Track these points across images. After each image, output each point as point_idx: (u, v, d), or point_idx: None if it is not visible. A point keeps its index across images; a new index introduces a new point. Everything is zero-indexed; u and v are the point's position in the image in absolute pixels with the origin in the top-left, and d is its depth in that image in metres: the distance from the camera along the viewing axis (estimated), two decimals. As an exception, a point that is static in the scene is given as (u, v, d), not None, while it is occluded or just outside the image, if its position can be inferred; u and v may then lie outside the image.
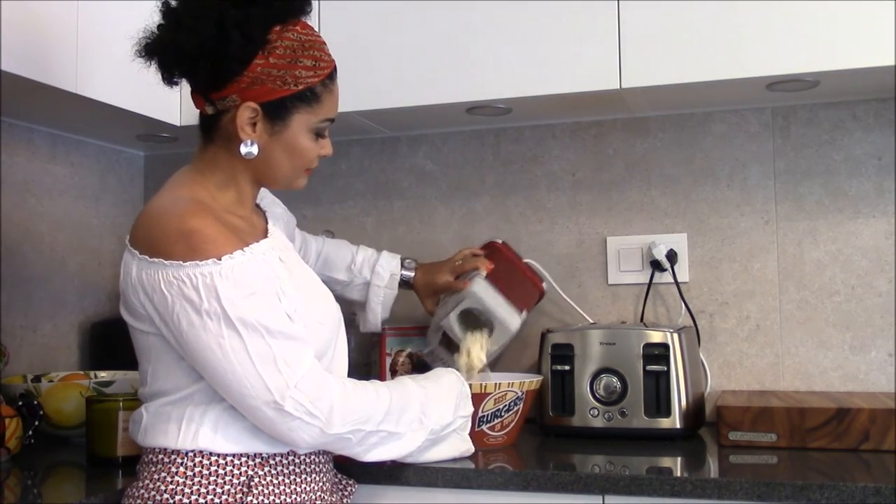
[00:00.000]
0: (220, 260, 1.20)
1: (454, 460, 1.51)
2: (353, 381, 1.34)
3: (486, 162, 2.22)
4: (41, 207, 2.08)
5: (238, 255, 1.22)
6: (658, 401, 1.74)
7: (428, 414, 1.41)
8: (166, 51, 1.29)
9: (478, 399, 1.59)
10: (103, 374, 1.95)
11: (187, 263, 1.20)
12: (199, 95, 1.33)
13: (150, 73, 1.35)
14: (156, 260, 1.22)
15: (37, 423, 1.73)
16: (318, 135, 1.37)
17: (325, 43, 1.37)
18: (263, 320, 1.21)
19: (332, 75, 1.36)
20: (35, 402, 1.74)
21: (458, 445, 1.51)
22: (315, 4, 1.95)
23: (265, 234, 1.38)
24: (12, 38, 1.54)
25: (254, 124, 1.31)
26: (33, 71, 1.60)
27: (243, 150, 1.31)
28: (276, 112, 1.31)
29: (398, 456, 1.39)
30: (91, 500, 1.36)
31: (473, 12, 1.86)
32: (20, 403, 1.72)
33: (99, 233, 2.25)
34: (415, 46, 1.89)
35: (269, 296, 1.24)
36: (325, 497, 1.36)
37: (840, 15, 1.64)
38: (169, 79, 1.33)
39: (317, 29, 1.94)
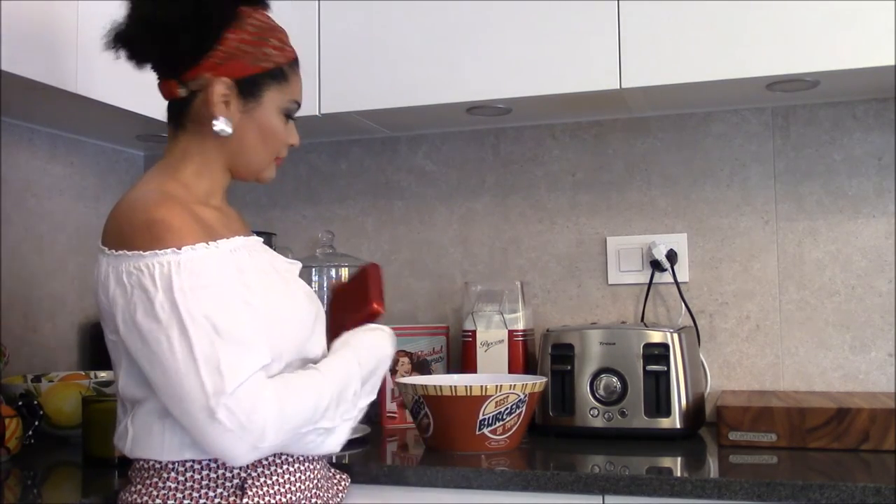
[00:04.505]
0: (179, 250, 1.18)
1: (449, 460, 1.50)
2: (293, 382, 1.24)
3: (486, 162, 2.21)
4: (41, 207, 2.07)
5: (201, 247, 1.20)
6: (658, 401, 1.74)
7: (359, 404, 1.34)
8: (145, 29, 1.30)
9: (478, 401, 1.59)
10: (103, 374, 1.95)
11: (147, 253, 1.18)
12: (170, 80, 1.33)
13: (151, 73, 1.35)
14: (120, 252, 1.20)
15: (37, 423, 1.73)
16: (287, 116, 1.37)
17: (286, 33, 1.37)
18: (212, 316, 1.16)
19: (296, 61, 1.37)
20: (35, 402, 1.74)
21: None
22: (315, 4, 1.97)
23: (242, 228, 1.37)
24: (12, 37, 1.54)
25: (227, 103, 1.31)
26: (33, 71, 1.60)
27: (216, 127, 1.30)
28: (249, 89, 1.32)
29: (328, 451, 1.32)
30: (89, 501, 1.36)
31: (474, 12, 1.86)
32: (20, 403, 1.72)
33: (99, 233, 2.23)
34: (415, 46, 1.89)
35: (224, 293, 1.19)
36: (320, 493, 1.35)
37: (840, 15, 1.64)
38: (142, 60, 1.33)
39: (316, 29, 1.96)
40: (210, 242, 1.21)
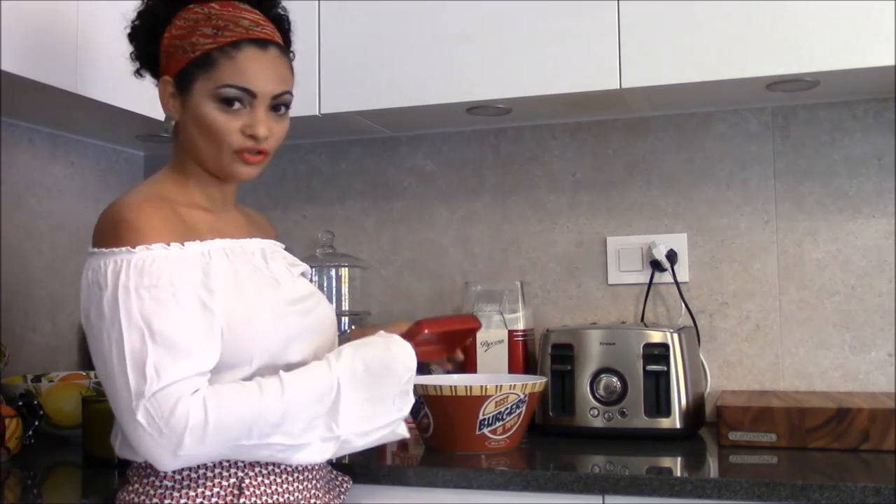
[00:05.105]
0: (133, 249, 1.18)
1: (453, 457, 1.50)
2: (231, 393, 1.19)
3: (486, 162, 2.21)
4: (41, 207, 2.07)
5: (157, 248, 1.19)
6: (658, 401, 1.74)
7: (340, 422, 1.26)
8: (129, 42, 1.40)
9: (478, 401, 1.59)
10: (103, 374, 1.95)
11: (107, 251, 1.19)
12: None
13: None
14: (92, 251, 1.22)
15: (37, 423, 1.73)
16: (226, 102, 1.28)
17: (243, 18, 1.31)
18: (150, 317, 1.15)
19: (236, 44, 1.29)
20: (35, 402, 1.74)
21: (386, 436, 1.33)
22: (315, 4, 1.96)
23: (240, 231, 1.36)
24: (12, 38, 1.54)
25: (174, 100, 1.33)
26: (33, 71, 1.60)
27: (164, 123, 1.35)
28: (182, 81, 1.31)
29: (313, 461, 1.27)
30: (89, 501, 1.36)
31: (474, 12, 1.86)
32: (20, 403, 1.73)
33: (99, 233, 2.25)
34: (415, 46, 1.89)
35: (173, 295, 1.18)
36: (320, 496, 1.34)
37: (840, 15, 1.64)
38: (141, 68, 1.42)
39: (316, 29, 1.96)
40: (172, 243, 1.21)
